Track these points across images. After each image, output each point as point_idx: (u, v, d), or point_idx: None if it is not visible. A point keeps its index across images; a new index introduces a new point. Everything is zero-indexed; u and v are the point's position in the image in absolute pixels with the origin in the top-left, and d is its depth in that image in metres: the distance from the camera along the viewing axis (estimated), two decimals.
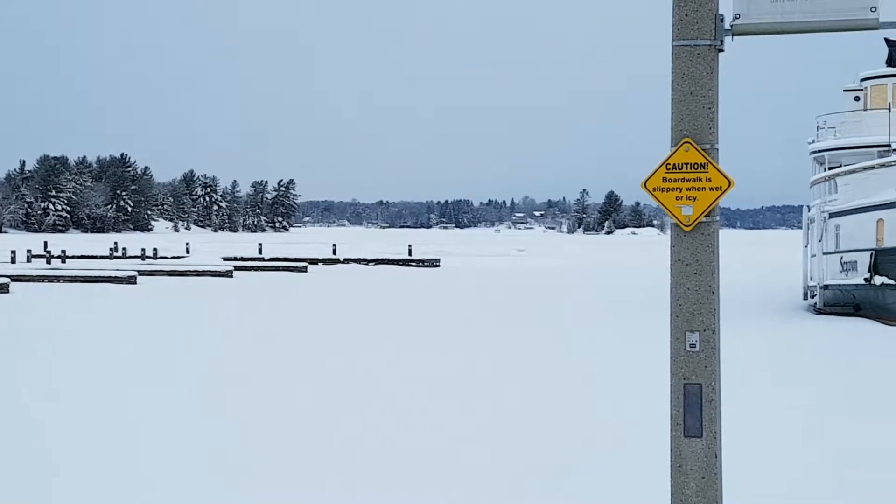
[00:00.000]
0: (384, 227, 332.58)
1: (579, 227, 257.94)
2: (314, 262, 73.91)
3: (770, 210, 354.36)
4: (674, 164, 8.27)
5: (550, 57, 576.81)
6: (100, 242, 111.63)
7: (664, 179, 8.31)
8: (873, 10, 7.98)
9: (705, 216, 8.25)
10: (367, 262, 76.04)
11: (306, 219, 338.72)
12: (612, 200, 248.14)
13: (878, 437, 14.72)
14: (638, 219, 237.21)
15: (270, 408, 16.67)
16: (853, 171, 36.66)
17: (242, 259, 72.29)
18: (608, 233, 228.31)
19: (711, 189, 8.24)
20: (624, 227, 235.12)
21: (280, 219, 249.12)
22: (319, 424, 15.31)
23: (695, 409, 8.20)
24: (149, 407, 16.62)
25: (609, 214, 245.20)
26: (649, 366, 19.91)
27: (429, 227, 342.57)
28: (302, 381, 19.58)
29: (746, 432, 14.16)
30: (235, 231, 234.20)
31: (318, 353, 23.91)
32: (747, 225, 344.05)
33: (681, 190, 8.27)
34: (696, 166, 8.22)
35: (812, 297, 39.05)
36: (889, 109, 37.17)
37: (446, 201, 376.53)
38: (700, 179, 8.24)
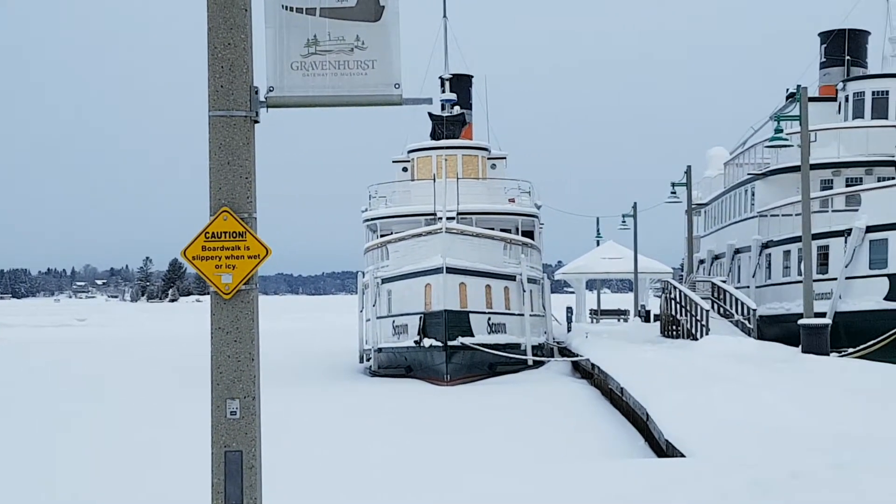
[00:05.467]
0: None
1: (143, 295, 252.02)
2: None
3: (331, 276, 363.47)
4: (213, 233, 8.34)
5: (101, 121, 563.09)
6: None
7: (203, 248, 8.35)
8: (397, 86, 8.49)
9: (245, 284, 8.36)
10: None
11: None
12: (176, 268, 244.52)
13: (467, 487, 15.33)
14: (203, 286, 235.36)
15: None
16: (403, 239, 38.18)
17: None
18: (172, 300, 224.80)
19: (250, 257, 8.38)
20: (189, 294, 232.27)
21: None
22: None
23: (235, 476, 8.22)
24: None
25: (173, 282, 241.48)
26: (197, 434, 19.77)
27: None
28: None
29: (289, 497, 14.29)
30: None
31: None
32: (310, 291, 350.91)
33: (220, 258, 8.34)
34: (234, 235, 8.33)
35: (368, 359, 40.16)
36: (434, 180, 39.14)
37: (2, 270, 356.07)
38: (239, 248, 8.35)
